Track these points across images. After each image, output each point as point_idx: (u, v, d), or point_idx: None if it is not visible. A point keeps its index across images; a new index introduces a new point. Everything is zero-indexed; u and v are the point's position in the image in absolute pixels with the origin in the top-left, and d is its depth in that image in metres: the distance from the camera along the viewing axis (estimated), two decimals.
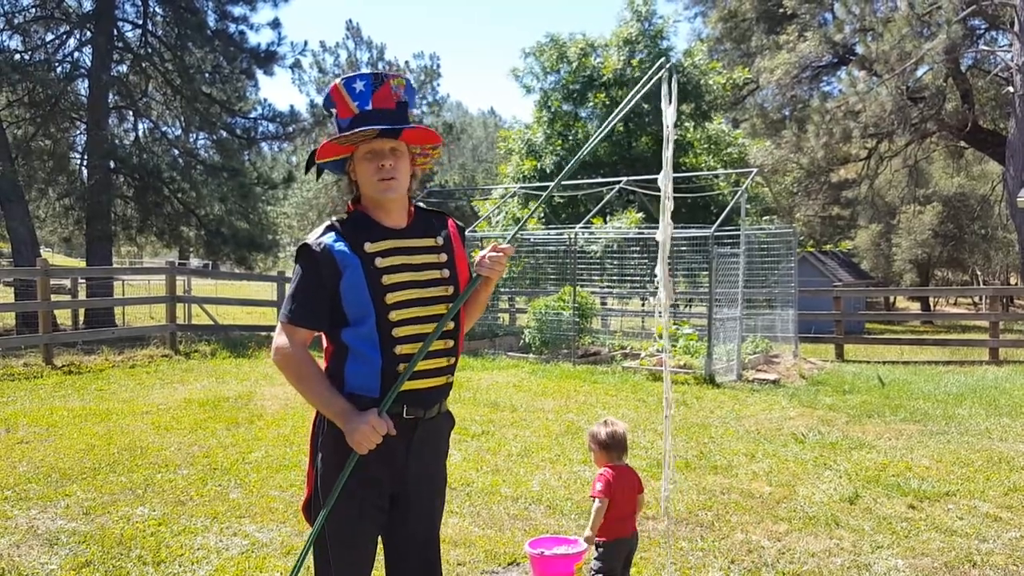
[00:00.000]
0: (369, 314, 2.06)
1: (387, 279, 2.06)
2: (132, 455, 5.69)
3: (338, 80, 2.11)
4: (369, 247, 2.07)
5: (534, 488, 5.05)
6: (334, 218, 2.16)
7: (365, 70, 2.06)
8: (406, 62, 37.20)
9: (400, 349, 2.06)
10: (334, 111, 2.13)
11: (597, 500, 3.20)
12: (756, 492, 5.04)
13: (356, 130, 2.04)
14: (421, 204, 2.31)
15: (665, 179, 2.45)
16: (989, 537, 4.32)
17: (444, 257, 2.19)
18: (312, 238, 2.08)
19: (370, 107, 2.08)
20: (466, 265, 2.27)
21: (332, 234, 2.08)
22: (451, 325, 2.17)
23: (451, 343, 2.19)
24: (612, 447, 3.39)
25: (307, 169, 2.20)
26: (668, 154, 2.46)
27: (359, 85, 2.08)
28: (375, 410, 2.02)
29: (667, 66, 2.47)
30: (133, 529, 4.20)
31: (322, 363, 2.19)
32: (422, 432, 2.15)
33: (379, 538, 2.23)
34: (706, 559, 3.97)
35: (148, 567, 3.73)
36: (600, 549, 3.25)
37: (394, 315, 2.06)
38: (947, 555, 4.05)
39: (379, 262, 2.07)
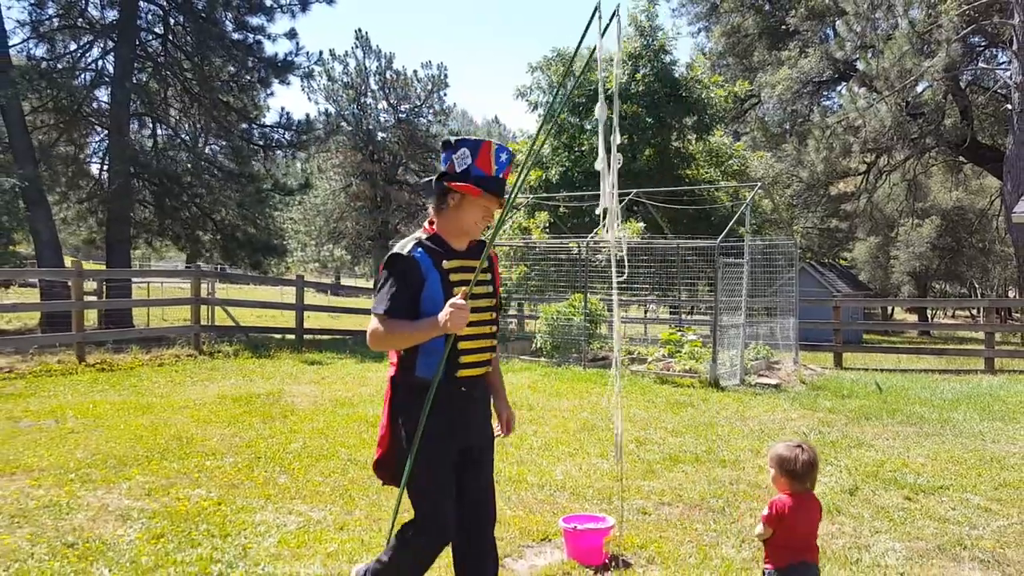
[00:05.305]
0: None
1: (457, 291, 2.61)
2: (180, 444, 6.08)
3: (494, 142, 2.72)
4: (446, 264, 2.67)
5: (557, 477, 5.45)
6: (419, 235, 2.72)
7: (503, 145, 2.71)
8: (414, 71, 37.68)
9: (461, 345, 2.68)
10: (468, 154, 2.67)
11: (760, 525, 2.92)
12: (762, 483, 5.43)
13: (490, 191, 2.67)
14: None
15: (602, 111, 2.91)
16: (979, 524, 4.71)
17: (489, 276, 2.80)
18: (404, 249, 2.64)
19: (502, 176, 2.72)
20: (499, 283, 2.90)
21: (420, 249, 2.67)
22: (493, 328, 2.83)
23: (494, 342, 2.86)
24: (800, 477, 2.91)
25: (437, 181, 2.73)
26: (602, 98, 2.88)
27: (504, 156, 2.71)
28: (448, 304, 2.54)
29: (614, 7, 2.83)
30: (196, 508, 4.60)
31: (392, 355, 2.78)
32: (475, 401, 2.82)
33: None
34: (719, 539, 4.36)
35: (216, 539, 4.12)
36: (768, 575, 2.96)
37: None
38: (940, 539, 4.44)
39: (453, 277, 2.67)
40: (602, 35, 2.70)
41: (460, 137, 2.74)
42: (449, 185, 2.67)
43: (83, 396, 8.13)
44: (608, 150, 2.91)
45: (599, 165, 2.96)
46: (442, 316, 2.53)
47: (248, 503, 4.71)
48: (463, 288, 2.61)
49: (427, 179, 2.77)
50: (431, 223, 2.76)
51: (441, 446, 2.67)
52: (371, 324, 2.61)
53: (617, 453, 3.28)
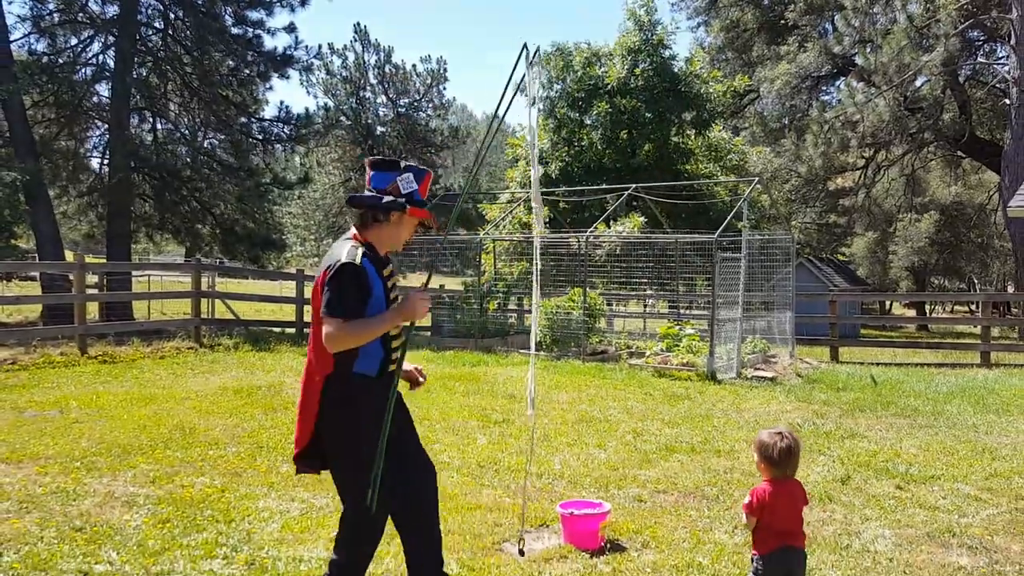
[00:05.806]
0: None
1: (392, 295, 2.95)
2: (182, 434, 6.17)
3: (432, 173, 3.15)
4: (384, 271, 2.95)
5: (556, 467, 5.55)
6: (357, 244, 2.91)
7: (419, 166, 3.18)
8: (413, 66, 37.63)
9: (394, 344, 2.96)
10: (413, 179, 3.00)
11: (744, 516, 3.02)
12: (756, 472, 5.48)
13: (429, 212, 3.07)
14: None
15: (532, 135, 3.42)
16: (969, 513, 4.80)
17: (398, 280, 3.08)
18: (355, 259, 2.84)
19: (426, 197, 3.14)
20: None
21: (366, 259, 2.89)
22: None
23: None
24: (778, 463, 2.97)
25: (406, 203, 2.98)
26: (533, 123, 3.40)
27: (431, 185, 3.20)
28: (412, 293, 2.86)
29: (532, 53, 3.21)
30: (200, 495, 4.69)
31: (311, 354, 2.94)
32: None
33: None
34: (712, 525, 4.46)
35: (221, 524, 4.21)
36: (756, 563, 3.01)
37: None
38: (930, 527, 4.54)
39: (389, 282, 2.96)
40: (529, 65, 3.16)
41: (408, 163, 3.05)
42: (412, 210, 2.96)
43: (86, 387, 8.22)
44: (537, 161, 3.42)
45: (533, 175, 3.42)
46: (405, 307, 2.84)
47: (251, 490, 4.80)
48: (421, 283, 3.00)
49: (390, 199, 2.92)
50: (358, 232, 2.96)
51: (390, 434, 2.91)
52: (327, 328, 2.77)
53: (529, 406, 3.85)
